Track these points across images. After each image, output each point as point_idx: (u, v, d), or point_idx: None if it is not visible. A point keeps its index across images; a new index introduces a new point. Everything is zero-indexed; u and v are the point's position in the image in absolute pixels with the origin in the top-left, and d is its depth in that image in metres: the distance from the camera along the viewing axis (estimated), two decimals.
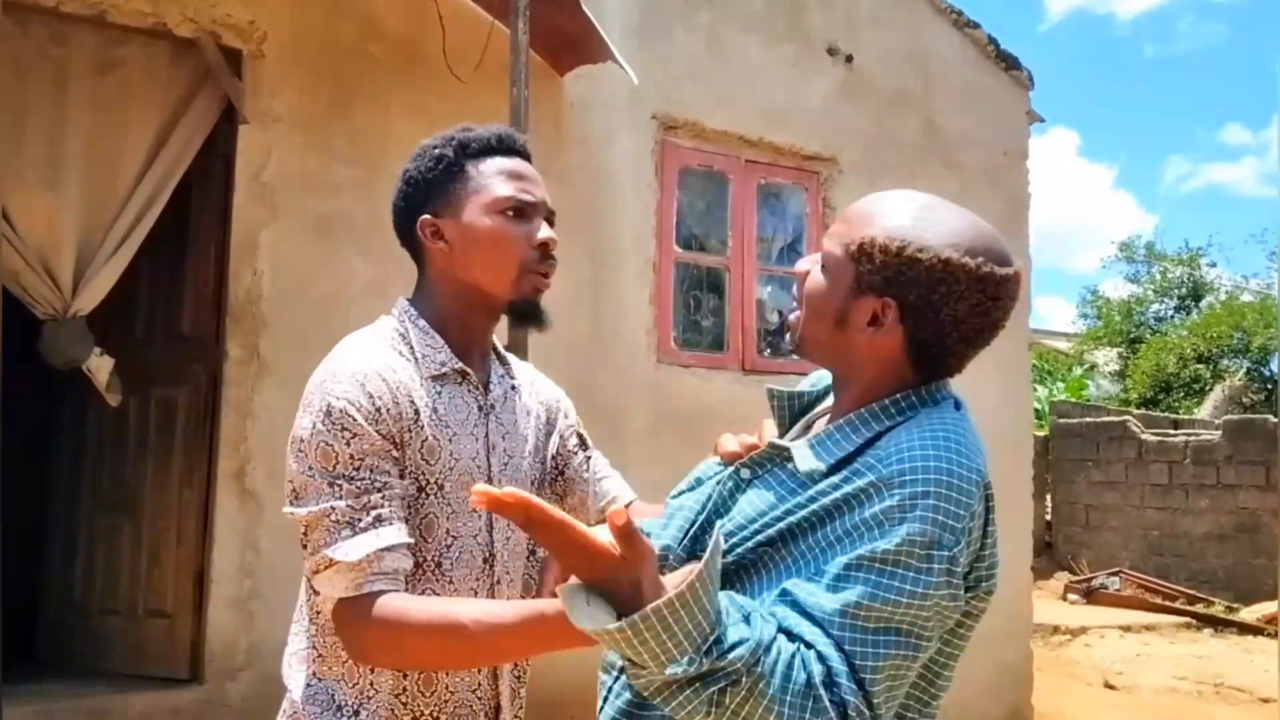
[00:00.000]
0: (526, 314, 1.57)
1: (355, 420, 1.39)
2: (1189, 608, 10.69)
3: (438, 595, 1.46)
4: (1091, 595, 11.12)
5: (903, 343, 1.21)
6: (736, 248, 5.36)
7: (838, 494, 1.14)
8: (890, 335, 1.21)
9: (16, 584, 3.77)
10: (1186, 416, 14.95)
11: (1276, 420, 11.61)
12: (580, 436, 1.74)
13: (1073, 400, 15.59)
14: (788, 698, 1.03)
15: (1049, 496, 13.22)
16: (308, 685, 1.49)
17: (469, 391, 1.55)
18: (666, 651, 0.99)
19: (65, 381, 4.10)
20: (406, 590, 1.40)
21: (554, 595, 1.10)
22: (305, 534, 1.39)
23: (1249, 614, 10.44)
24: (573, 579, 1.04)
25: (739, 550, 1.20)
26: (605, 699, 1.28)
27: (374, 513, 1.38)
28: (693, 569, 1.01)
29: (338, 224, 4.10)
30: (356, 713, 1.46)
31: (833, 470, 1.18)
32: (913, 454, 1.12)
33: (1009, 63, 6.20)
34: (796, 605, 1.10)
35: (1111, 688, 8.06)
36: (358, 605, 1.36)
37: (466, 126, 1.58)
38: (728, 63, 5.25)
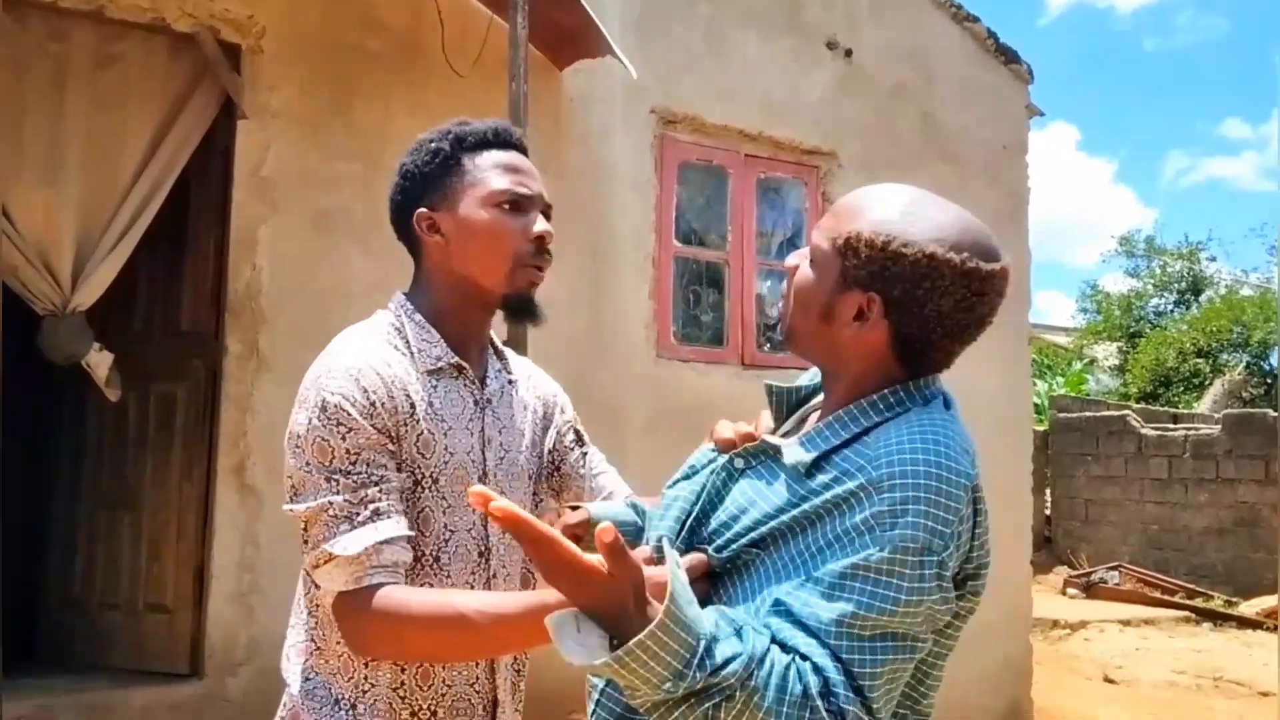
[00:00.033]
0: (521, 308, 1.57)
1: (350, 415, 1.40)
2: (1188, 602, 10.71)
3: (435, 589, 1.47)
4: (1091, 589, 11.13)
5: (888, 338, 1.21)
6: (736, 242, 5.36)
7: (829, 495, 1.14)
8: (875, 330, 1.21)
9: (17, 580, 3.77)
10: (1186, 411, 14.97)
11: (1276, 414, 11.61)
12: (577, 432, 1.74)
13: (1072, 395, 15.61)
14: (784, 709, 1.03)
15: (1048, 491, 13.23)
16: (306, 680, 1.49)
17: (465, 386, 1.55)
18: (656, 675, 0.99)
19: (65, 377, 4.10)
20: (406, 584, 1.40)
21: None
22: (305, 529, 1.40)
23: (1248, 608, 10.46)
24: (558, 610, 1.04)
25: (733, 548, 1.20)
26: (596, 703, 1.28)
27: (372, 506, 1.38)
28: (665, 575, 1.01)
29: (337, 219, 4.09)
30: (354, 706, 1.47)
31: (821, 463, 1.18)
32: (902, 458, 1.12)
33: (1008, 57, 6.19)
34: (791, 615, 1.10)
35: (1111, 682, 8.08)
36: (357, 598, 1.36)
37: (463, 120, 1.58)
38: (727, 57, 5.24)
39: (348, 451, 1.39)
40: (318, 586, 1.43)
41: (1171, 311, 22.60)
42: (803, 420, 1.35)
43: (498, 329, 1.65)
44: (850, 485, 1.13)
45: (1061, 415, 13.52)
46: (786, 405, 1.38)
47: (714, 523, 1.24)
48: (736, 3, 5.29)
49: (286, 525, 1.46)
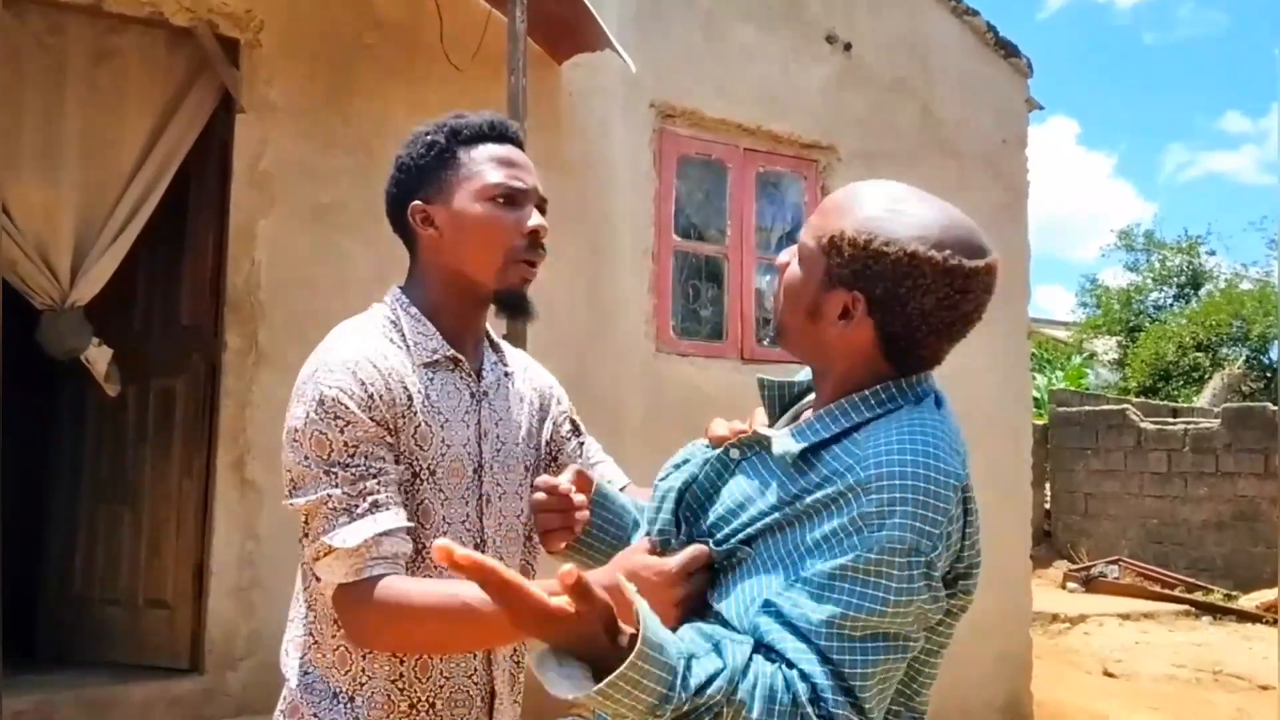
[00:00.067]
0: (513, 304, 1.57)
1: (348, 408, 1.40)
2: (1188, 595, 10.72)
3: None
4: (1090, 583, 11.14)
5: (874, 336, 1.21)
6: (735, 237, 5.35)
7: (819, 494, 1.14)
8: (860, 329, 1.21)
9: (17, 576, 3.77)
10: (1185, 405, 14.97)
11: (1275, 408, 11.61)
12: (573, 422, 1.75)
13: (1072, 389, 15.62)
14: None
15: (1048, 485, 13.24)
16: (305, 674, 1.50)
17: (461, 379, 1.55)
18: (642, 702, 1.00)
19: (64, 373, 4.10)
20: (405, 576, 1.40)
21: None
22: (305, 523, 1.40)
23: (1248, 602, 10.47)
24: (540, 647, 1.05)
25: (730, 543, 1.21)
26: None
27: (370, 499, 1.39)
28: (666, 565, 1.00)
29: (336, 213, 4.09)
30: (352, 699, 1.47)
31: (811, 458, 1.18)
32: (890, 458, 1.12)
33: (1008, 50, 6.18)
34: (781, 617, 1.11)
35: (1110, 675, 8.09)
36: (358, 590, 1.36)
37: (459, 113, 1.58)
38: (726, 51, 5.23)
39: (346, 444, 1.39)
40: (317, 580, 1.43)
41: (1171, 305, 22.61)
42: (796, 417, 1.36)
43: (497, 324, 1.65)
44: (839, 485, 1.13)
45: (1061, 409, 13.52)
46: (780, 402, 1.38)
47: (713, 516, 1.24)
48: None
49: (286, 520, 1.46)
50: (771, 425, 1.37)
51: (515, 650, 1.62)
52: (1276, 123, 33.21)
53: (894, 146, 5.68)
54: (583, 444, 1.73)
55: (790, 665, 1.07)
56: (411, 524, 1.43)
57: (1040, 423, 12.95)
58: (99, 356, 3.80)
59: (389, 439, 1.43)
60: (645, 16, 4.94)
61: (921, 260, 1.16)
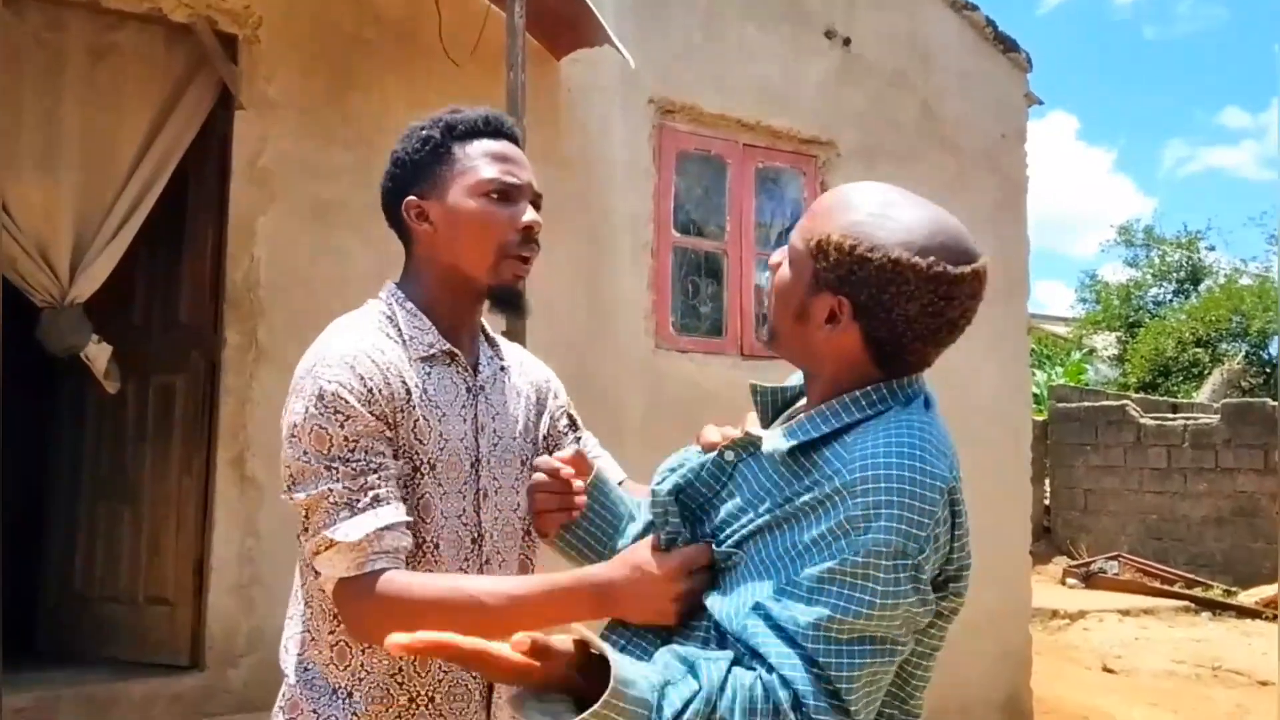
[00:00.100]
0: (506, 300, 1.57)
1: (348, 402, 1.40)
2: (1187, 591, 10.73)
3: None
4: (1090, 579, 11.16)
5: (860, 340, 1.21)
6: (734, 232, 5.35)
7: (808, 497, 1.15)
8: (847, 333, 1.21)
9: (17, 572, 3.77)
10: (1185, 400, 14.97)
11: (1275, 404, 11.62)
12: (570, 417, 1.74)
13: (1071, 385, 15.60)
14: None
15: (1048, 481, 13.24)
16: (304, 670, 1.50)
17: (458, 373, 1.56)
18: None
19: (64, 370, 4.09)
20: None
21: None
22: (305, 517, 1.40)
23: (1247, 597, 10.48)
24: (521, 694, 1.08)
25: (726, 545, 1.21)
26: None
27: (371, 493, 1.39)
28: (670, 564, 1.04)
29: (335, 209, 4.08)
30: (350, 694, 1.47)
31: (800, 459, 1.19)
32: (875, 460, 1.12)
33: (1007, 45, 6.18)
34: (770, 619, 1.11)
35: (1110, 671, 8.10)
36: (359, 584, 1.37)
37: (454, 108, 1.58)
38: (725, 46, 5.23)
39: (346, 439, 1.39)
40: (314, 575, 1.43)
41: (1170, 301, 22.62)
42: (789, 422, 1.36)
43: (496, 321, 1.65)
44: (827, 488, 1.13)
45: (1060, 405, 13.52)
46: (773, 407, 1.38)
47: (717, 520, 1.25)
48: None
49: (286, 517, 1.46)
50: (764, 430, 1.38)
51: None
52: (1276, 118, 33.22)
53: (893, 142, 5.68)
54: (579, 439, 1.73)
55: (771, 670, 1.08)
56: (411, 518, 1.43)
57: (1040, 419, 12.96)
58: (98, 354, 3.80)
59: (388, 433, 1.43)
60: (644, 12, 4.93)
61: (905, 267, 1.16)
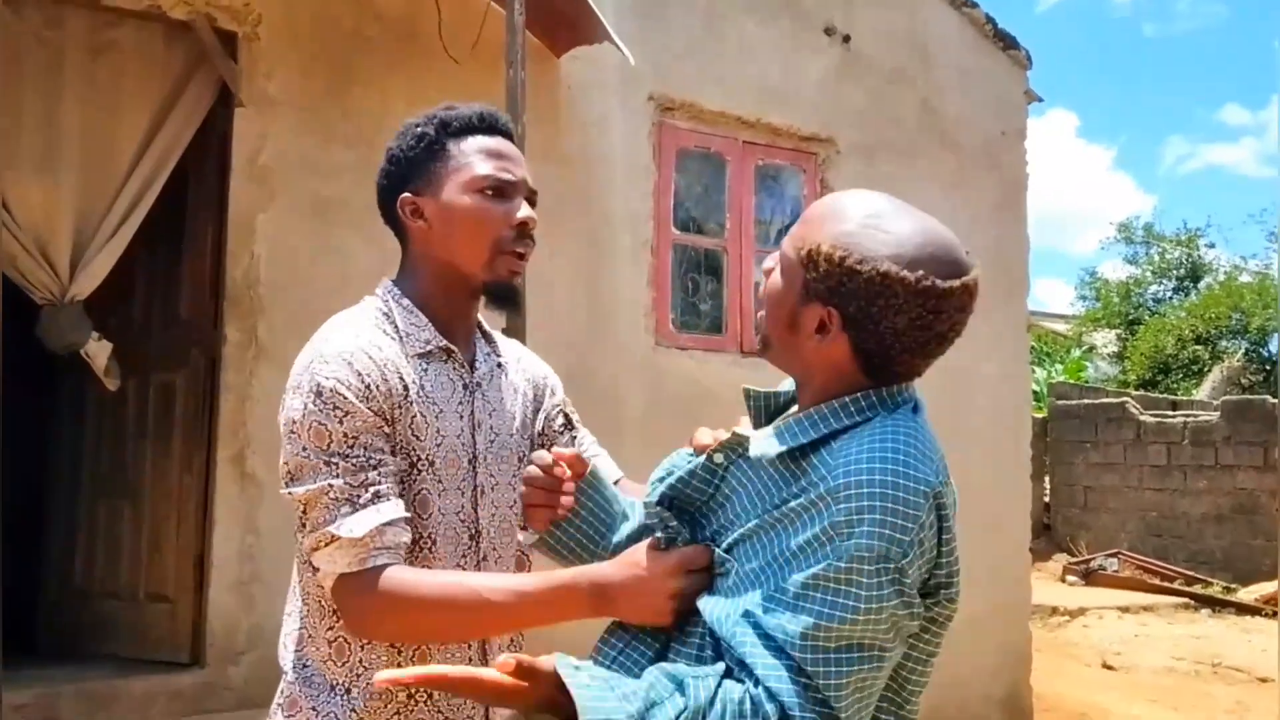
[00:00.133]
0: (501, 296, 1.57)
1: (347, 399, 1.40)
2: (1187, 588, 10.74)
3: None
4: (1090, 576, 11.16)
5: (849, 351, 1.21)
6: (734, 230, 5.35)
7: (795, 503, 1.15)
8: (836, 344, 1.21)
9: (17, 570, 3.78)
10: (1185, 398, 14.98)
11: (1275, 401, 11.62)
12: (566, 416, 1.74)
13: (1071, 382, 15.60)
14: None
15: (1047, 478, 13.25)
16: (303, 667, 1.50)
17: (454, 369, 1.56)
18: None
19: (64, 367, 4.10)
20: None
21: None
22: (304, 513, 1.40)
23: (1247, 594, 10.49)
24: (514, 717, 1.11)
25: (723, 548, 1.21)
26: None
27: (372, 489, 1.39)
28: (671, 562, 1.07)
29: (335, 206, 4.09)
30: (349, 691, 1.48)
31: (793, 463, 1.19)
32: (859, 466, 1.12)
33: (1007, 42, 6.17)
34: (758, 628, 1.11)
35: (1110, 668, 8.10)
36: (361, 580, 1.37)
37: (450, 105, 1.58)
38: (725, 43, 5.23)
39: (345, 435, 1.40)
40: (313, 571, 1.43)
41: (1170, 298, 22.62)
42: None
43: (496, 318, 1.65)
44: (813, 494, 1.14)
45: (1060, 402, 13.53)
46: (766, 412, 1.38)
47: (715, 524, 1.25)
48: None
49: (287, 514, 1.46)
50: None
51: (513, 640, 1.62)
52: (1276, 115, 33.21)
53: (893, 139, 5.68)
54: (575, 438, 1.73)
55: (758, 684, 1.08)
56: (409, 514, 1.43)
57: (1040, 416, 12.96)
58: (99, 351, 3.80)
59: (386, 429, 1.44)
60: (644, 9, 4.93)
61: (894, 280, 1.16)
